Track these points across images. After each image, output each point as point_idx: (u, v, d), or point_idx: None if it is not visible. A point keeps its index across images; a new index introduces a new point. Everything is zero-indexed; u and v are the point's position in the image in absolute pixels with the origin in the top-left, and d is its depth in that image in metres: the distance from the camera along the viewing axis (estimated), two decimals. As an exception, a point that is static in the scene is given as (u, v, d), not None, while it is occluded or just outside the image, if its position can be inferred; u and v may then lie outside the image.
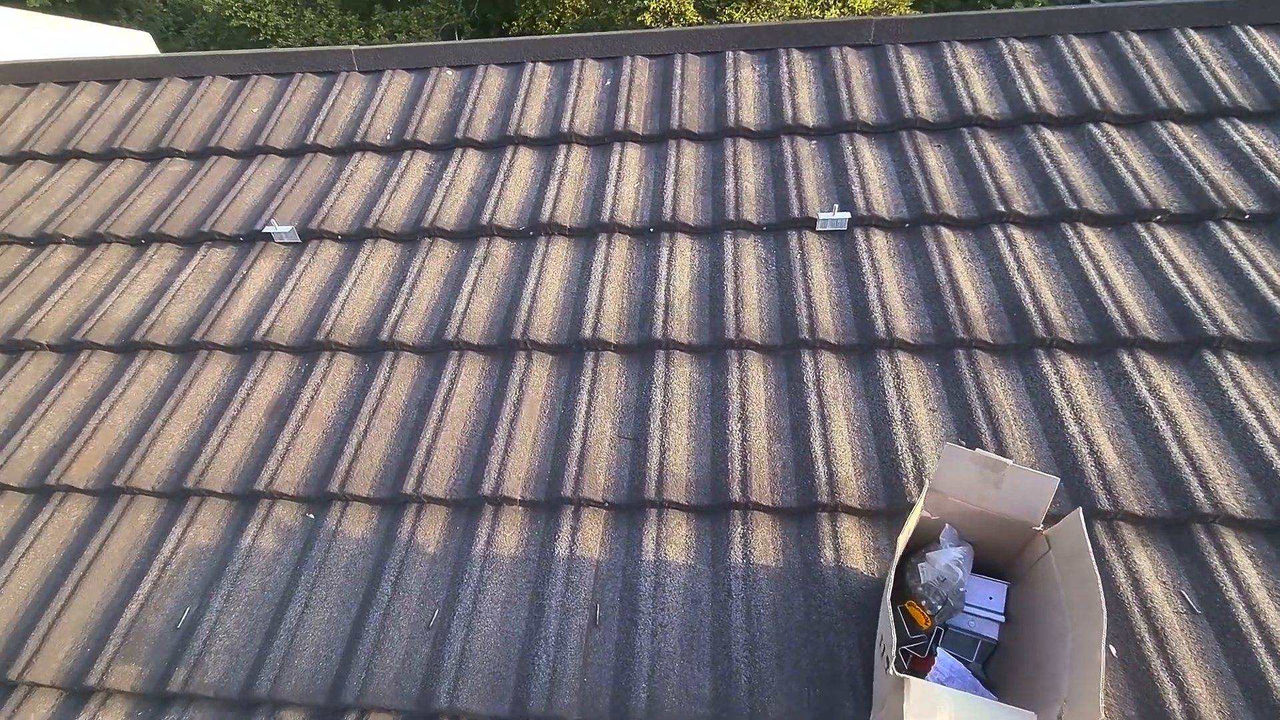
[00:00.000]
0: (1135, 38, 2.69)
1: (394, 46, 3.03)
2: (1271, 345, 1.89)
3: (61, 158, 2.89)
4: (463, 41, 3.01)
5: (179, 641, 1.69)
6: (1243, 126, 2.39)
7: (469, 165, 2.67)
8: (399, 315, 2.22)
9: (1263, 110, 2.42)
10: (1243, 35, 2.63)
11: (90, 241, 2.59)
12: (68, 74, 3.18)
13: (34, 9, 16.29)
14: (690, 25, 12.25)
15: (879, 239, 2.28)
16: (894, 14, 13.84)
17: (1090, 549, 1.18)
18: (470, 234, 2.45)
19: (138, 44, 4.41)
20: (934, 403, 1.91)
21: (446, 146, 2.74)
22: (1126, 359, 1.91)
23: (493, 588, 1.70)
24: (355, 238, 2.49)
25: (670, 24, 11.89)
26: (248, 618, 1.72)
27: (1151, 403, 1.82)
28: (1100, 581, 1.13)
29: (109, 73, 3.16)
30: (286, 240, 2.49)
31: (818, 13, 13.23)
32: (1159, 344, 1.93)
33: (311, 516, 1.89)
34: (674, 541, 1.74)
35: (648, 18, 11.64)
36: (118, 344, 2.27)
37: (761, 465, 1.82)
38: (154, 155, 2.86)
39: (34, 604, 1.79)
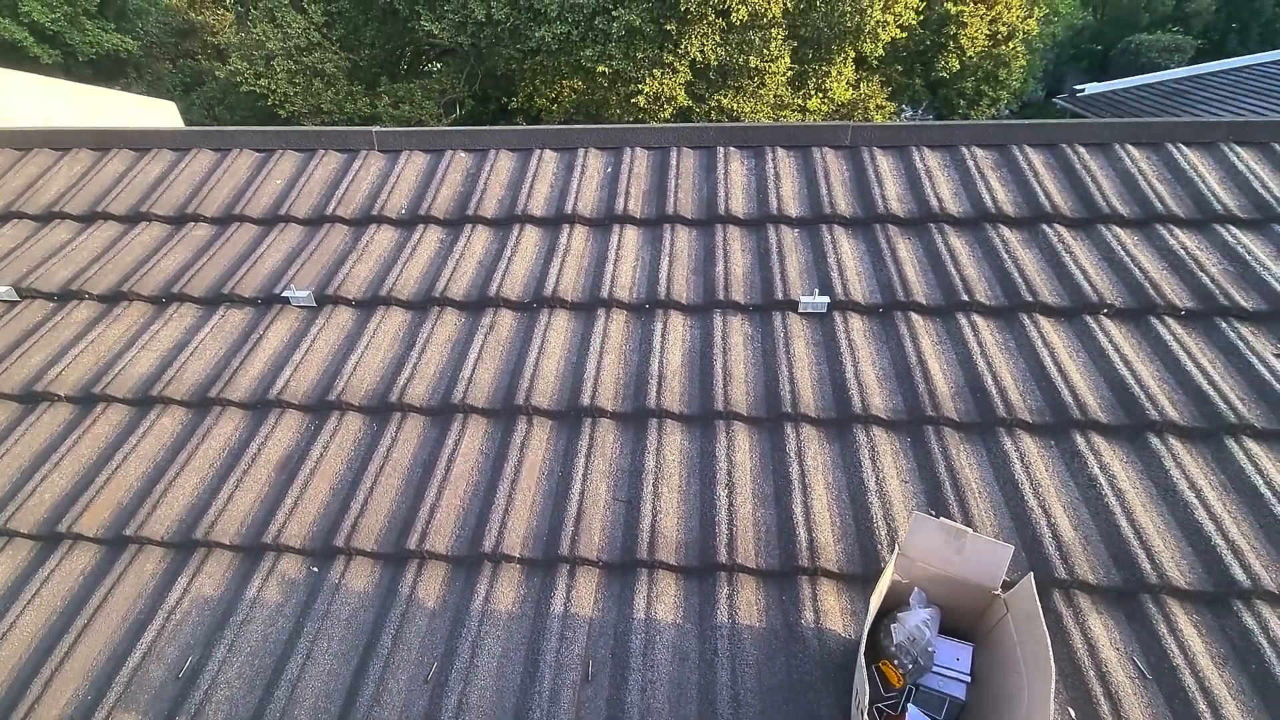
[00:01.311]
0: (1081, 150, 3.02)
1: (413, 130, 3.28)
2: (1207, 430, 2.09)
3: (90, 219, 3.05)
4: (476, 128, 3.28)
5: (180, 691, 1.73)
6: (1177, 231, 2.68)
7: (478, 240, 2.88)
8: (408, 378, 2.36)
9: (1194, 218, 2.72)
10: (1175, 152, 2.97)
11: (113, 299, 2.72)
12: (100, 141, 3.39)
13: (47, 64, 16.77)
14: (681, 108, 13.00)
15: (855, 321, 2.49)
16: (870, 104, 14.78)
17: (1040, 611, 1.31)
18: (478, 304, 2.62)
19: (163, 112, 4.68)
20: (905, 474, 2.07)
21: (457, 222, 2.96)
22: (1079, 439, 2.10)
23: (490, 642, 1.78)
24: (368, 304, 2.65)
25: (663, 107, 12.61)
26: (249, 668, 1.77)
27: (1103, 480, 1.99)
28: (1049, 641, 1.26)
29: (141, 141, 3.37)
30: (303, 304, 2.65)
31: (800, 100, 14.13)
32: (1108, 426, 2.12)
33: (316, 570, 1.96)
34: (664, 600, 1.84)
35: (641, 100, 12.36)
36: (134, 398, 2.37)
37: (747, 529, 1.95)
38: (179, 220, 3.04)
39: (38, 650, 1.83)
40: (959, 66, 15.62)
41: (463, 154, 3.26)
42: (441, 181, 3.10)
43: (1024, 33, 15.82)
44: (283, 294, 2.65)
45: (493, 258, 2.80)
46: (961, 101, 17.46)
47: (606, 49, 12.00)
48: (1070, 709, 1.61)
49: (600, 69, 12.13)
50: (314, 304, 2.65)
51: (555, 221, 2.93)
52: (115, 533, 2.03)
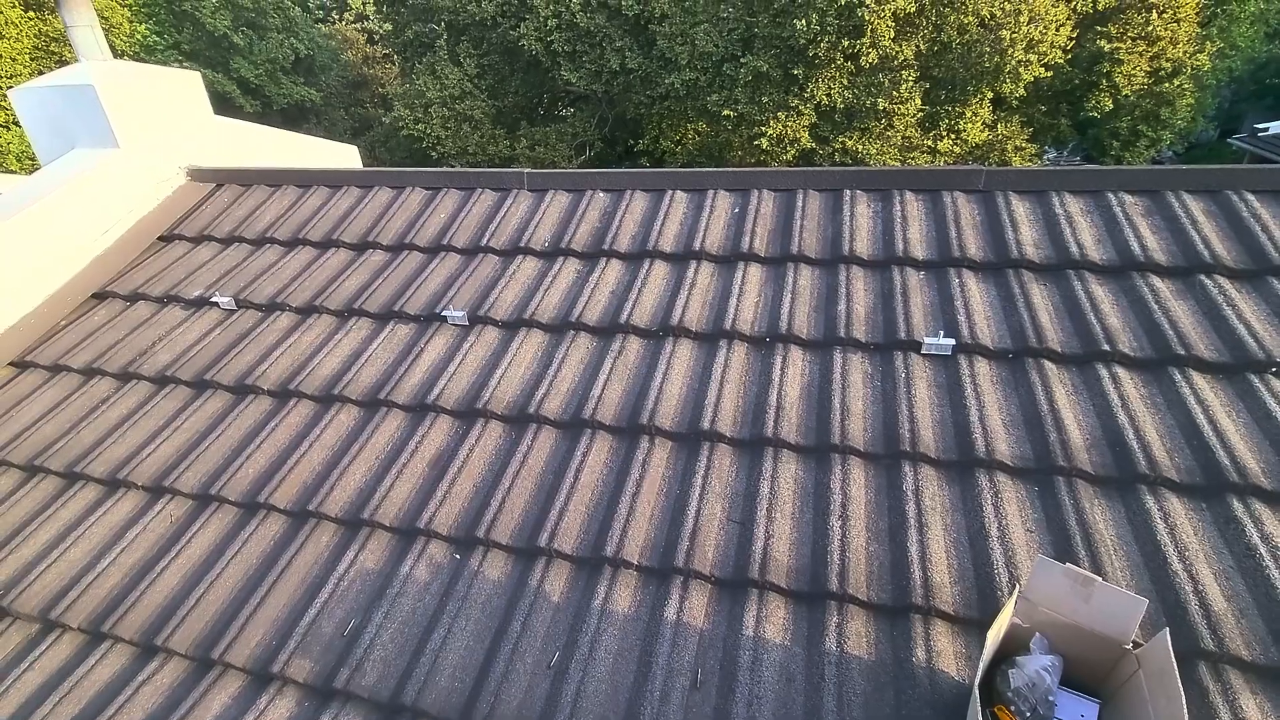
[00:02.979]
0: (1250, 197, 2.81)
1: (558, 171, 3.63)
2: (1399, 507, 1.87)
3: (293, 244, 3.63)
4: (614, 170, 3.57)
5: (344, 647, 2.01)
6: (1367, 288, 2.43)
7: (611, 272, 3.12)
8: (544, 393, 2.61)
9: (1389, 273, 2.45)
10: (1367, 200, 2.69)
11: (307, 312, 3.21)
12: (303, 180, 4.03)
13: (249, 113, 19.60)
14: (804, 150, 13.05)
15: (982, 366, 2.46)
16: (1009, 145, 14.07)
17: (1175, 669, 1.26)
18: (609, 330, 2.84)
19: (348, 154, 5.43)
20: (1031, 523, 2.02)
21: (594, 255, 3.23)
22: (1237, 504, 1.95)
23: (607, 639, 1.92)
24: (513, 325, 2.95)
25: (785, 149, 12.74)
26: (400, 635, 2.02)
27: (1263, 550, 1.84)
28: (1185, 702, 1.21)
29: (335, 180, 3.97)
30: (458, 323, 3.00)
31: (929, 141, 13.72)
32: (1272, 493, 1.96)
33: (459, 556, 2.21)
34: (772, 621, 1.91)
35: (764, 142, 12.55)
36: (320, 395, 2.79)
37: (859, 562, 1.98)
38: (361, 247, 3.53)
39: (235, 600, 2.19)
40: (1112, 105, 14.52)
41: (601, 194, 3.56)
42: (581, 218, 3.40)
43: (1192, 68, 14.48)
44: (442, 313, 3.01)
45: (624, 288, 3.03)
46: (1115, 142, 16.19)
47: (733, 94, 12.36)
48: (1215, 791, 1.50)
49: (725, 113, 12.49)
50: (467, 323, 2.99)
51: (683, 257, 3.12)
52: (300, 507, 2.40)
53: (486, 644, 1.97)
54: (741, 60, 12.04)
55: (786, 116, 12.50)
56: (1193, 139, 18.65)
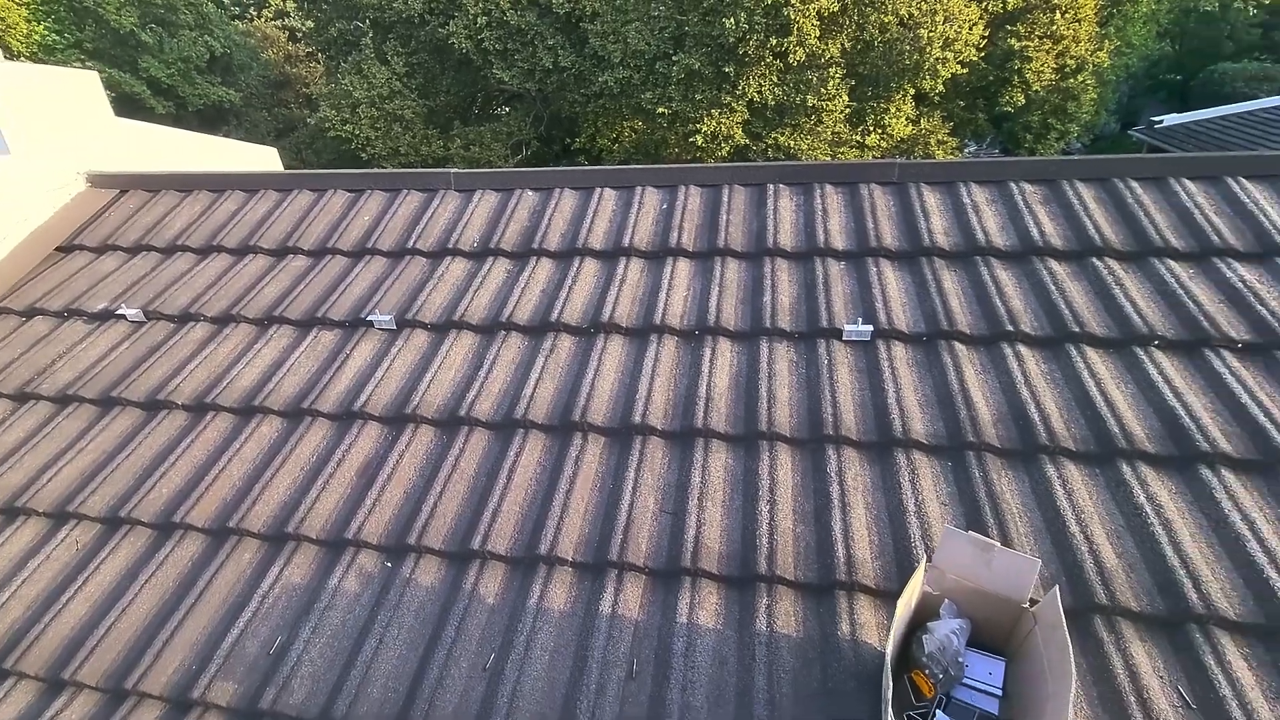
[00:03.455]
0: (1135, 184, 3.03)
1: (486, 171, 3.59)
2: (1264, 463, 2.06)
3: (206, 251, 3.47)
4: (543, 169, 3.56)
5: (270, 666, 1.94)
6: (1235, 265, 2.66)
7: (542, 271, 3.11)
8: (476, 395, 2.58)
9: (1254, 251, 2.69)
10: (1235, 185, 2.94)
11: (223, 321, 3.08)
12: (217, 184, 3.85)
13: (161, 114, 18.54)
14: (738, 146, 13.27)
15: (898, 349, 2.57)
16: (931, 139, 14.66)
17: (1064, 622, 1.36)
18: (540, 329, 2.84)
19: (267, 157, 5.22)
20: (945, 497, 2.12)
21: (524, 255, 3.21)
22: (1126, 468, 2.10)
23: (543, 638, 1.92)
24: (442, 327, 2.91)
25: (720, 145, 12.92)
26: (330, 649, 1.97)
27: (1149, 509, 1.99)
28: (1072, 648, 1.31)
29: (251, 184, 3.81)
30: (385, 327, 2.93)
31: (858, 137, 14.17)
32: (1155, 456, 2.12)
33: (390, 565, 2.16)
34: (705, 607, 1.95)
35: (699, 139, 12.70)
36: (239, 407, 2.68)
37: (787, 544, 2.04)
38: (281, 252, 3.41)
39: (151, 625, 2.09)
40: (1024, 100, 15.32)
41: (530, 192, 3.54)
42: (511, 217, 3.38)
43: (1094, 65, 15.43)
44: (368, 318, 2.94)
45: (555, 287, 3.02)
46: (1028, 135, 17.07)
47: (666, 92, 12.45)
48: (1109, 733, 1.62)
49: (660, 110, 12.57)
50: (394, 327, 2.93)
51: (613, 254, 3.14)
52: (220, 525, 2.30)
53: (420, 651, 1.94)
54: (673, 58, 12.14)
55: (720, 113, 12.69)
56: (1097, 131, 19.85)
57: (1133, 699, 1.65)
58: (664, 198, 3.40)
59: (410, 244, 3.30)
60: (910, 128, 14.22)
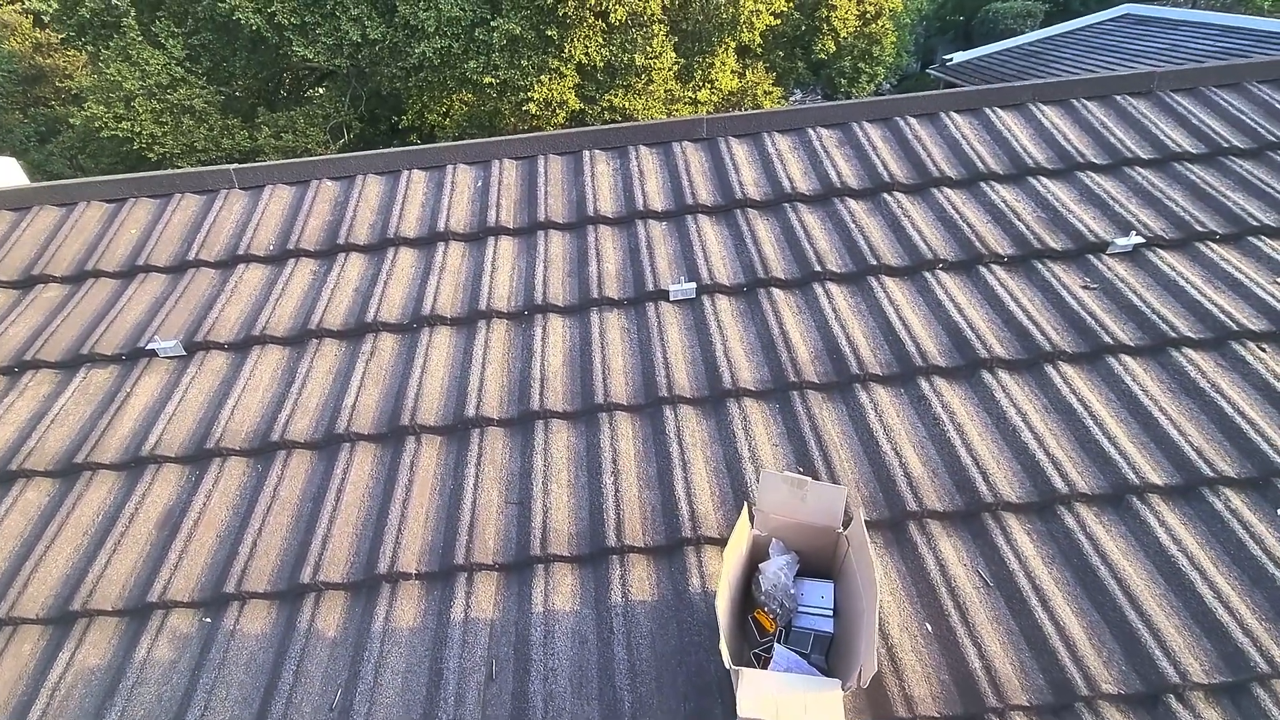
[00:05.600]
0: (913, 120, 3.30)
1: (273, 163, 3.23)
2: (1029, 361, 2.35)
3: (-78, 293, 2.86)
4: (339, 155, 3.26)
5: (71, 766, 1.69)
6: (998, 187, 2.97)
7: (352, 268, 2.87)
8: (289, 415, 2.35)
9: (1010, 174, 3.02)
10: (992, 115, 3.28)
11: (-42, 375, 2.56)
12: (-73, 209, 3.17)
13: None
14: (574, 111, 13.06)
15: (722, 303, 2.65)
16: (759, 90, 15.26)
17: (868, 539, 1.48)
18: (356, 331, 2.62)
19: (3, 169, 4.37)
20: (776, 439, 2.23)
21: (329, 252, 2.94)
22: (924, 384, 2.32)
23: (393, 660, 1.81)
24: (242, 345, 2.61)
25: (555, 112, 12.65)
26: (145, 730, 1.74)
27: (945, 418, 2.21)
28: (874, 563, 1.42)
29: (-26, 205, 3.17)
30: (171, 354, 2.57)
31: (690, 93, 14.44)
32: (946, 369, 2.35)
33: (209, 620, 1.94)
34: (560, 591, 1.93)
35: (533, 107, 12.34)
36: (-8, 475, 2.26)
37: (634, 511, 2.06)
38: (26, 283, 2.88)
39: (-96, 755, 1.74)
40: (835, 48, 16.33)
41: (329, 182, 3.23)
42: (309, 213, 3.07)
43: (890, 10, 16.71)
44: (148, 346, 2.57)
45: (368, 283, 2.80)
46: (843, 81, 18.29)
47: (490, 59, 11.92)
48: (928, 624, 1.80)
49: (487, 80, 12.04)
50: (184, 352, 2.58)
51: (429, 241, 2.95)
52: (-16, 618, 1.94)
53: (255, 707, 1.76)
54: (492, 24, 11.61)
55: (550, 79, 12.38)
56: (903, 72, 21.64)
57: (944, 590, 1.84)
58: (478, 174, 3.24)
59: (192, 255, 2.91)
60: (737, 80, 14.69)
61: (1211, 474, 2.00)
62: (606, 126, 3.39)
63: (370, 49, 12.51)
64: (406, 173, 3.23)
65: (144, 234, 3.03)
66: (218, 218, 3.08)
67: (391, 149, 3.30)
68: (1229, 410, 2.14)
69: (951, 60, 16.77)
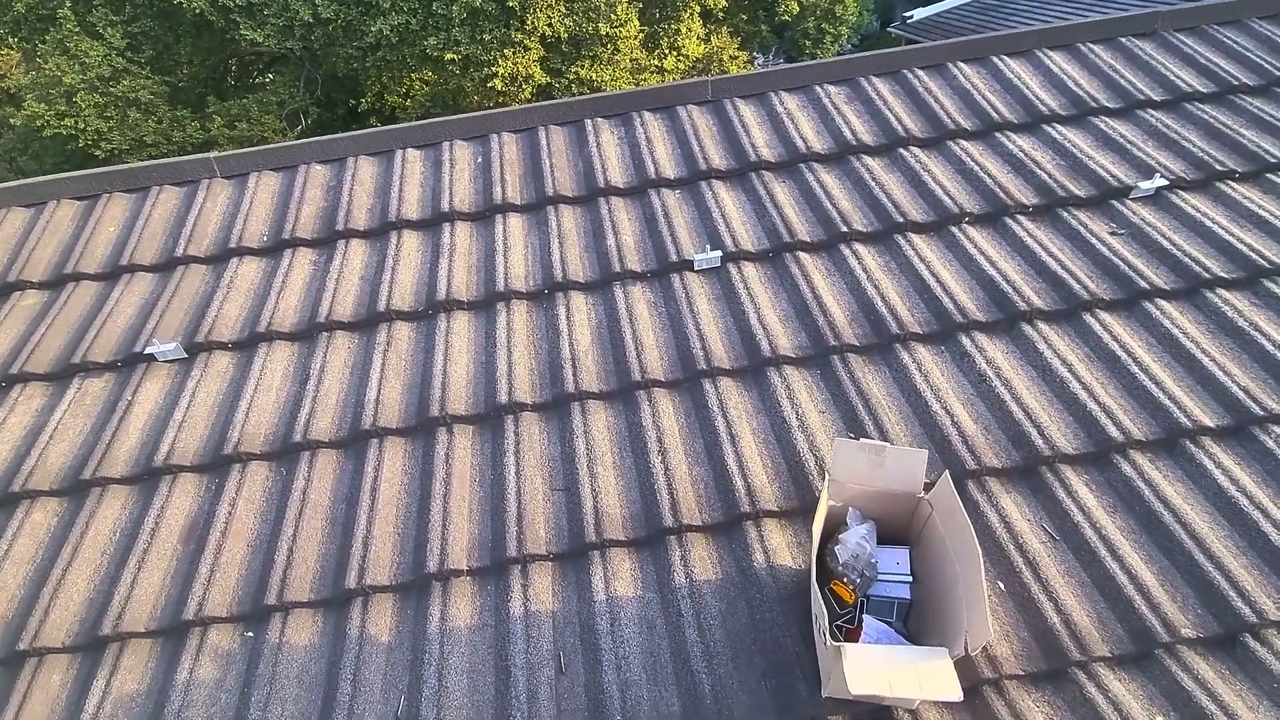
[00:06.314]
0: (920, 73, 3.22)
1: (257, 149, 3.03)
2: (1068, 310, 2.32)
3: (-115, 309, 2.63)
4: (328, 137, 3.07)
5: (124, 800, 1.59)
6: (1014, 136, 2.92)
7: (355, 255, 2.72)
8: (309, 414, 2.22)
9: (1025, 122, 2.97)
10: (1000, 64, 3.22)
11: (-63, 394, 2.37)
12: (-123, 217, 2.91)
13: None
14: (540, 85, 12.73)
15: (749, 270, 2.56)
16: (725, 55, 15.05)
17: (959, 503, 1.43)
18: (369, 322, 2.49)
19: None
20: (822, 405, 2.18)
21: (328, 240, 2.78)
22: (965, 340, 2.28)
23: (455, 661, 1.73)
24: (247, 344, 2.46)
25: (521, 87, 12.31)
26: (199, 755, 1.64)
27: (990, 373, 2.18)
28: (973, 529, 1.38)
29: (-70, 210, 2.92)
30: (171, 358, 2.42)
31: (656, 61, 14.17)
32: (986, 323, 2.31)
33: (251, 634, 1.83)
34: (621, 577, 1.86)
35: (498, 83, 11.99)
36: (-8, 499, 2.10)
37: (686, 490, 1.99)
38: (1, 291, 2.67)
39: (-64, 804, 1.62)
40: (799, 9, 16.15)
41: (318, 166, 3.05)
42: (301, 200, 2.90)
43: (851, -32, 16.53)
44: (145, 351, 2.40)
45: (375, 270, 2.66)
46: (807, 42, 18.15)
47: (450, 34, 11.50)
48: (1000, 582, 1.78)
49: (448, 56, 11.63)
50: (185, 354, 2.43)
51: (434, 222, 2.81)
52: (7, 650, 1.81)
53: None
54: (450, -3, 11.16)
55: (514, 53, 12.01)
56: (864, 31, 21.49)
57: (1011, 547, 1.82)
58: (477, 150, 3.09)
59: (180, 250, 2.72)
60: (702, 46, 14.43)
61: (1261, 412, 2.00)
62: (608, 94, 3.26)
63: (323, 29, 11.98)
64: (400, 152, 3.06)
65: (124, 231, 2.83)
66: (203, 209, 2.88)
67: (383, 128, 3.13)
68: (1270, 347, 2.14)
69: (912, 17, 16.70)
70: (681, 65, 14.45)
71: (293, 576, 1.89)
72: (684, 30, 13.64)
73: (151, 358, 2.42)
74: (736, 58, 15.67)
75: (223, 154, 3.00)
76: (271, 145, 3.01)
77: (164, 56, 12.59)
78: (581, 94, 12.74)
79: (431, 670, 1.71)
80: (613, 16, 12.43)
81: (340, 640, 1.79)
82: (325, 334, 2.47)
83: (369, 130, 3.13)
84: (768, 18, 17.30)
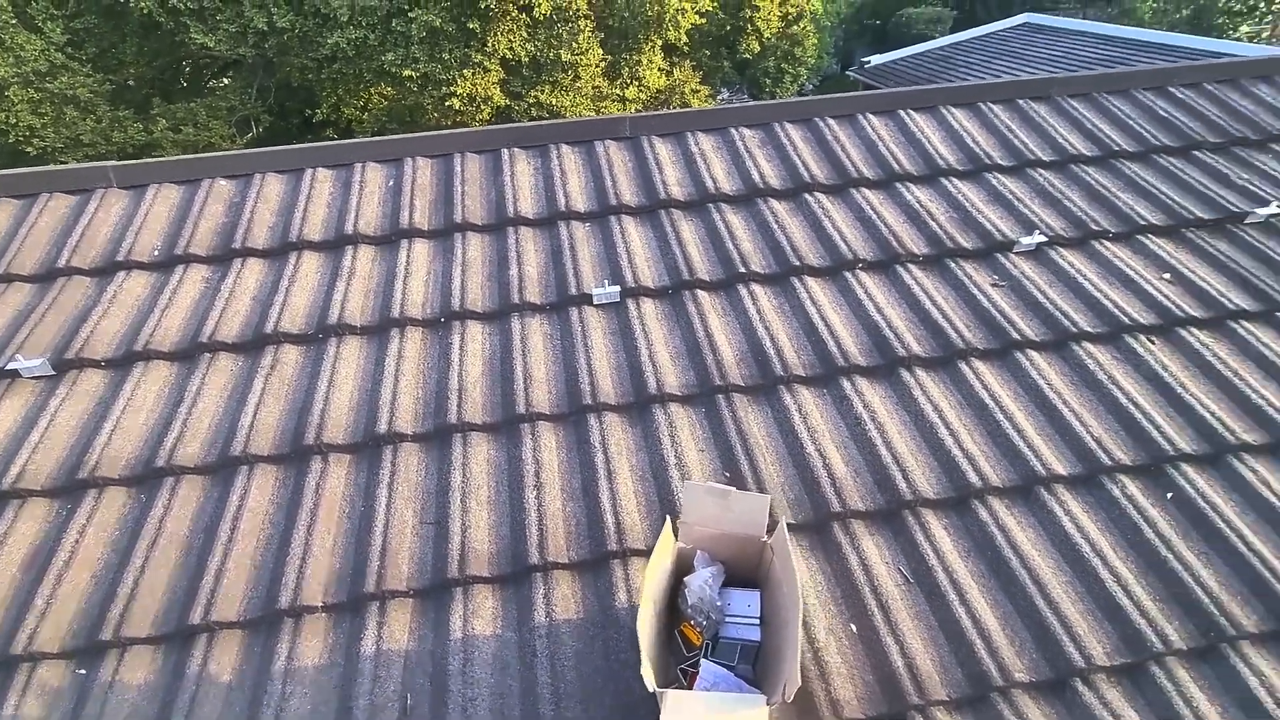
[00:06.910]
0: (831, 122, 3.35)
1: (159, 160, 2.96)
2: (944, 358, 2.41)
3: None
4: (236, 152, 3.02)
5: None
6: (912, 187, 3.05)
7: (250, 274, 2.66)
8: (177, 438, 2.14)
9: (924, 174, 3.11)
10: (906, 117, 3.37)
11: None
12: None
13: None
14: (499, 107, 12.78)
15: (648, 305, 2.60)
16: (686, 89, 15.35)
17: (792, 551, 1.46)
18: (255, 344, 2.43)
19: None
20: (702, 444, 2.20)
21: (224, 257, 2.71)
22: (846, 384, 2.34)
23: (295, 702, 1.67)
24: (122, 362, 2.37)
25: (479, 108, 12.34)
26: (3, 804, 1.54)
27: (866, 417, 2.24)
28: (797, 575, 1.40)
29: None
30: (37, 374, 2.31)
31: (618, 90, 14.38)
32: (867, 368, 2.39)
33: (83, 671, 1.74)
34: (480, 615, 1.83)
35: (456, 102, 12.01)
36: None
37: (557, 526, 1.98)
38: None
39: None
40: (759, 47, 16.64)
41: (223, 182, 2.99)
42: (200, 214, 2.83)
43: (810, 12, 17.17)
44: (8, 366, 2.29)
45: (268, 291, 2.60)
46: (767, 80, 18.67)
47: (409, 52, 11.49)
48: (853, 625, 1.81)
49: (406, 73, 11.60)
50: (52, 371, 2.32)
51: (336, 244, 2.77)
52: None
53: (136, 766, 1.59)
54: (410, 14, 11.18)
55: (474, 73, 12.05)
56: (824, 73, 22.28)
57: (867, 589, 1.86)
58: (390, 173, 3.07)
59: (63, 261, 2.62)
60: (664, 78, 14.72)
61: (1110, 462, 2.10)
62: (526, 124, 3.29)
63: (278, 37, 11.83)
64: (311, 171, 3.03)
65: (5, 239, 2.71)
66: (93, 220, 2.79)
67: (294, 146, 3.09)
68: (1124, 400, 2.26)
69: (869, 63, 17.38)
70: (643, 95, 14.70)
71: (134, 610, 1.80)
72: (645, 61, 13.91)
73: (15, 374, 2.31)
74: (699, 91, 16.01)
75: (121, 164, 2.91)
76: (175, 158, 2.94)
77: (108, 54, 12.23)
78: (541, 118, 12.84)
79: (269, 712, 1.65)
80: (574, 44, 12.60)
81: (178, 680, 1.71)
82: (208, 355, 2.39)
83: (280, 148, 3.09)
84: (730, 55, 17.76)
